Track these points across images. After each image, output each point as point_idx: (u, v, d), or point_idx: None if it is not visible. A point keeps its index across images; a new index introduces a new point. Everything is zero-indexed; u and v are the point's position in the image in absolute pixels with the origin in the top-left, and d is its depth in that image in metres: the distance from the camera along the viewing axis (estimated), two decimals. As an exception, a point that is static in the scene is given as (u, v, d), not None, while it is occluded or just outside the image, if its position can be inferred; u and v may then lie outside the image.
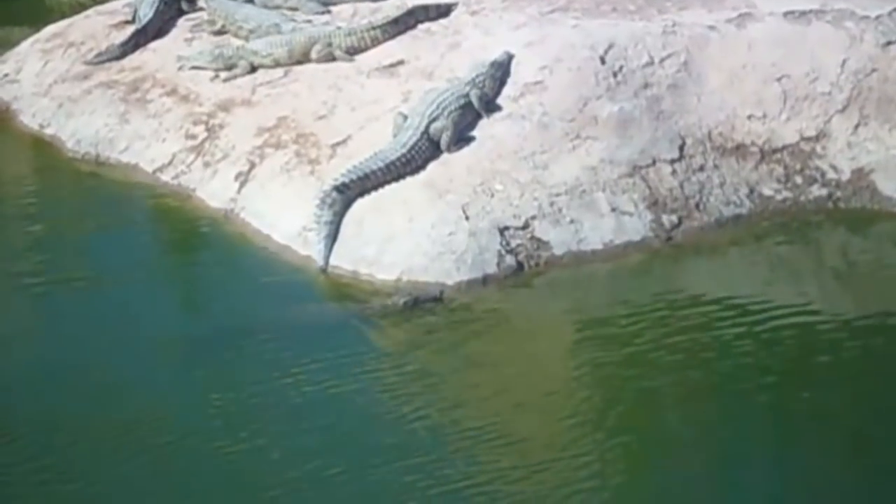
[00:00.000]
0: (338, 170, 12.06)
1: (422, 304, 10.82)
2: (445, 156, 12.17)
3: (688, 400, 9.74)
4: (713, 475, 8.95)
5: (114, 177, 13.53)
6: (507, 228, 11.63)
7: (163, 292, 11.46)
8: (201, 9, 15.15)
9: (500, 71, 12.77)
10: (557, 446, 9.18)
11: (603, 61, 12.80)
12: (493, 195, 11.82)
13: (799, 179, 12.54)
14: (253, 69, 13.89)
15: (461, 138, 12.27)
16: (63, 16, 16.49)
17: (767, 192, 12.44)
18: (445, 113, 12.24)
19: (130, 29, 15.02)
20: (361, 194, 11.89)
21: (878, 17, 13.12)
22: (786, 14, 13.21)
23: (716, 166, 12.46)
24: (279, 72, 13.80)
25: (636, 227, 11.91)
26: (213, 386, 9.86)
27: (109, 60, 14.78)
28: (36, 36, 15.80)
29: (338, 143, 12.65)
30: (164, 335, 10.52)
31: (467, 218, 11.64)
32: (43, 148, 14.24)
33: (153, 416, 9.47)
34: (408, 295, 10.88)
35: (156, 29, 14.95)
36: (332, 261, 11.61)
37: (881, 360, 10.26)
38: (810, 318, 10.74)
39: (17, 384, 10.02)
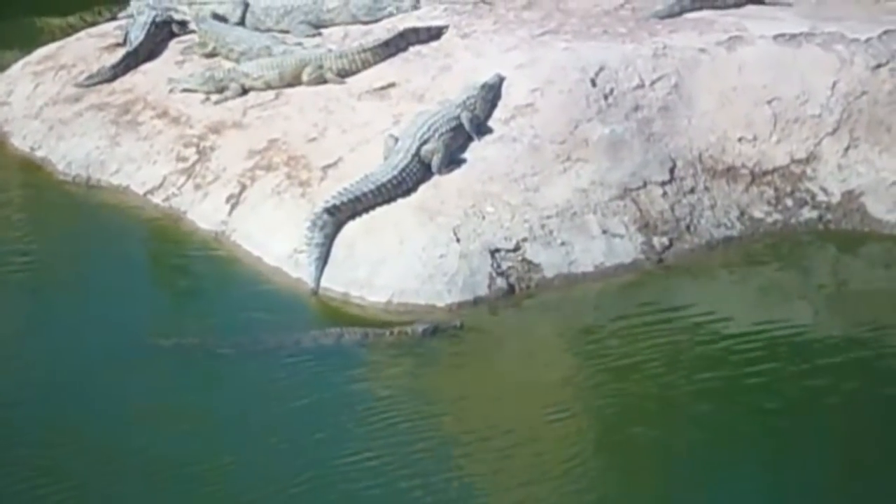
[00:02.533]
0: (329, 192, 12.05)
1: (441, 332, 10.79)
2: (436, 178, 12.18)
3: (679, 422, 9.73)
4: (703, 492, 8.94)
5: (104, 199, 13.51)
6: (498, 251, 11.63)
7: (152, 314, 11.40)
8: (192, 31, 15.15)
9: (491, 93, 12.79)
10: (546, 469, 9.17)
11: (594, 84, 12.82)
12: (484, 217, 11.82)
13: (789, 202, 12.56)
14: (244, 91, 13.90)
15: (452, 160, 12.28)
16: (54, 38, 16.49)
17: (758, 214, 12.46)
18: (436, 135, 12.25)
19: (121, 51, 15.02)
20: (352, 216, 11.89)
21: (867, 41, 13.17)
22: (776, 37, 13.25)
23: (706, 188, 12.48)
24: (270, 94, 13.81)
25: (627, 249, 11.92)
26: (215, 410, 9.85)
27: (100, 83, 14.78)
28: (27, 58, 15.80)
29: (329, 166, 12.66)
30: (152, 356, 10.48)
31: (458, 240, 11.64)
32: (34, 170, 14.22)
33: (134, 439, 9.44)
34: (427, 323, 10.84)
35: (147, 51, 14.96)
36: (323, 283, 11.60)
37: (871, 381, 10.26)
38: (801, 340, 10.74)
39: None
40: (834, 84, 12.92)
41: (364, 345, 10.66)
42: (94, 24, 16.88)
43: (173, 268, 12.52)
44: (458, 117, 12.44)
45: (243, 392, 10.08)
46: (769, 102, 12.89)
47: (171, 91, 14.23)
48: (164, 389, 10.11)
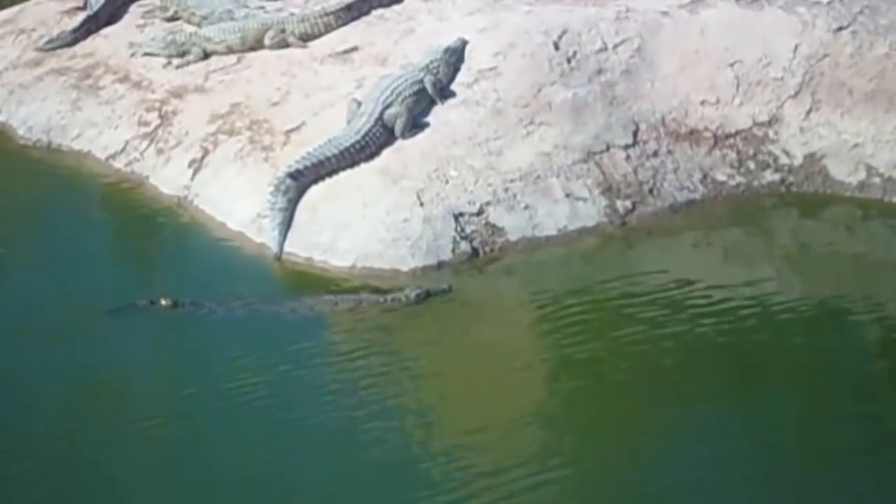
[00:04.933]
0: (292, 156, 12.03)
1: (433, 296, 10.82)
2: (400, 142, 12.16)
3: (642, 382, 9.78)
4: (669, 456, 9.00)
5: (66, 164, 13.46)
6: (461, 214, 11.64)
7: (114, 280, 11.38)
8: (154, -5, 15.08)
9: (455, 57, 12.77)
10: (513, 434, 9.24)
11: (557, 47, 12.81)
12: (447, 181, 11.82)
13: (752, 164, 12.60)
14: (206, 56, 13.83)
15: (415, 125, 12.26)
16: (13, 2, 16.34)
17: (721, 177, 12.49)
18: (399, 99, 12.23)
19: (82, 15, 14.93)
20: (316, 181, 11.88)
21: (829, 3, 13.18)
22: (738, -1, 13.28)
23: (669, 152, 12.50)
24: (232, 58, 13.75)
25: (590, 212, 11.95)
26: (199, 376, 9.89)
27: (61, 47, 14.69)
28: (-14, 22, 15.69)
29: (291, 130, 12.62)
30: (116, 323, 10.47)
31: (422, 204, 11.64)
32: (-6, 135, 14.17)
33: (112, 402, 9.46)
34: (418, 288, 10.87)
35: (108, 15, 14.86)
36: (287, 248, 11.59)
37: (831, 341, 10.35)
38: (762, 302, 10.81)
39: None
40: (796, 47, 12.94)
41: (358, 311, 10.68)
42: (53, -13, 16.76)
43: (136, 233, 12.48)
44: (421, 81, 12.42)
45: (235, 357, 10.11)
46: (731, 65, 12.91)
47: (132, 55, 14.16)
48: (158, 354, 10.20)
